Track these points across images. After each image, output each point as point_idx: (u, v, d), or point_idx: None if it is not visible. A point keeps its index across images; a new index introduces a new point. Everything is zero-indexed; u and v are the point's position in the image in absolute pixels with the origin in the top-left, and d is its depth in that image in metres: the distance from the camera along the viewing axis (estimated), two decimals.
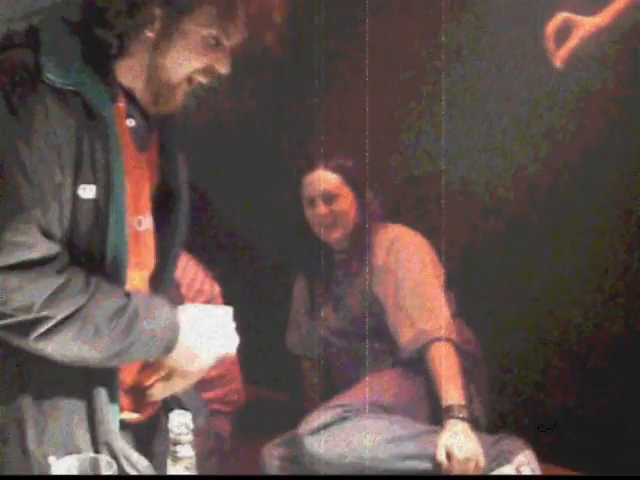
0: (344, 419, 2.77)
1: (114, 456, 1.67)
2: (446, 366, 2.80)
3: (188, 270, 3.05)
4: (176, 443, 1.57)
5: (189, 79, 1.71)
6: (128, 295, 1.65)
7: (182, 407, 1.81)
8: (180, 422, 1.60)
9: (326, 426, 2.76)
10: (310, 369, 3.24)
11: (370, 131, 3.34)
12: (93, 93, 1.61)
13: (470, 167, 3.35)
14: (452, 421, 2.72)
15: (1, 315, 1.55)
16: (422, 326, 2.86)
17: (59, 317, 1.57)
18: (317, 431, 2.76)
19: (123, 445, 1.71)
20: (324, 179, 3.02)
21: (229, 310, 1.79)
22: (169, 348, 1.69)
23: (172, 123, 1.84)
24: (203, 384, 2.92)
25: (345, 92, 3.55)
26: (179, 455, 1.56)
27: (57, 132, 1.57)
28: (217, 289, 3.10)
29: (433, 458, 2.70)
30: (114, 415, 1.71)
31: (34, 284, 1.55)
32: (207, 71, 1.71)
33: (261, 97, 3.58)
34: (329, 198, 3.01)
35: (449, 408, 2.74)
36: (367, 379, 2.87)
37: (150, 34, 1.66)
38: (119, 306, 1.62)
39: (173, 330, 1.68)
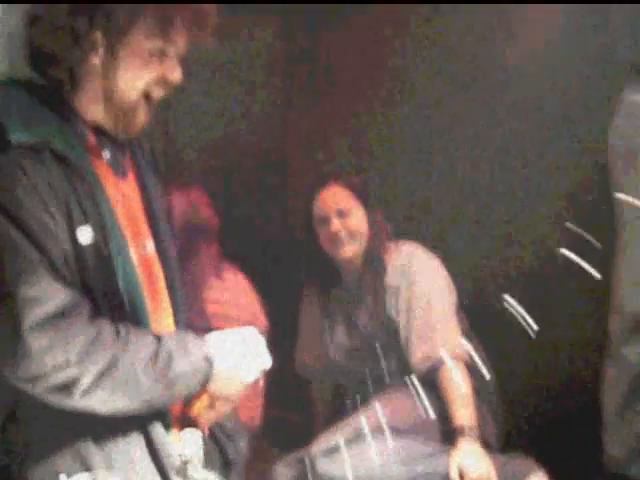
0: (356, 439, 2.75)
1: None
2: (457, 386, 2.79)
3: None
4: (187, 462, 1.58)
5: (146, 95, 1.71)
6: (158, 338, 1.66)
7: (225, 433, 1.87)
8: (191, 441, 1.61)
9: (338, 447, 2.73)
10: (320, 390, 3.22)
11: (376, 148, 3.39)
12: (61, 141, 1.63)
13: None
14: (464, 441, 2.71)
15: (35, 378, 1.55)
16: (434, 346, 2.85)
17: (96, 371, 1.57)
18: (329, 452, 2.75)
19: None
20: (338, 195, 3.00)
21: (254, 329, 1.83)
22: (207, 379, 1.70)
23: (139, 146, 1.85)
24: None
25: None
26: (190, 474, 1.57)
27: (39, 186, 1.58)
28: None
29: (445, 478, 2.68)
30: (173, 443, 1.73)
31: (64, 340, 1.55)
32: (160, 82, 1.71)
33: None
34: (343, 214, 3.00)
35: (461, 428, 2.73)
36: (379, 400, 2.85)
37: (96, 60, 1.67)
38: (153, 351, 1.63)
39: (208, 362, 1.70)
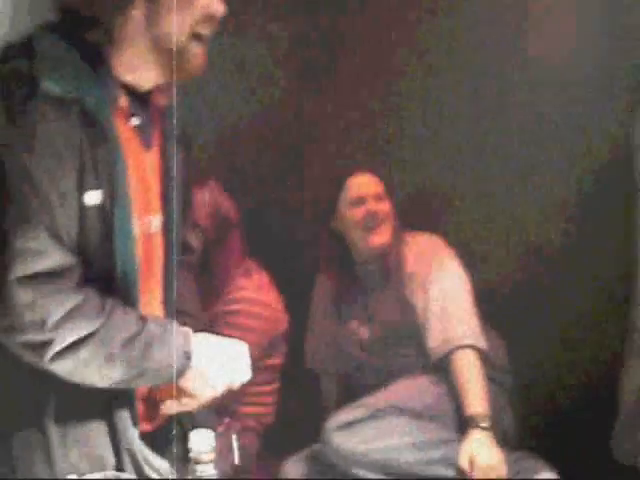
0: (372, 418, 2.76)
1: (136, 461, 1.68)
2: (470, 374, 2.79)
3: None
4: (197, 462, 1.57)
5: (194, 35, 1.69)
6: (144, 320, 1.65)
7: (192, 418, 1.82)
8: (201, 441, 1.61)
9: (354, 423, 2.76)
10: (330, 383, 3.22)
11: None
12: (90, 98, 1.60)
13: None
14: (475, 430, 2.71)
15: (11, 328, 1.55)
16: (450, 332, 2.86)
17: (72, 339, 1.56)
18: (344, 427, 2.76)
19: (144, 449, 1.72)
20: (372, 181, 3.06)
21: (245, 347, 1.80)
22: (180, 374, 1.68)
23: (170, 119, 1.82)
24: (241, 398, 2.94)
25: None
26: (201, 474, 1.56)
27: (57, 140, 1.56)
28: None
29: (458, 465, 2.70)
30: (133, 423, 1.71)
31: (47, 300, 1.54)
32: (206, 19, 1.69)
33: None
34: (378, 198, 3.03)
35: (472, 417, 2.73)
36: (397, 382, 2.88)
37: (136, 13, 1.65)
38: (134, 331, 1.62)
39: (186, 358, 1.68)
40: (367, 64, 3.53)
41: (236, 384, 1.77)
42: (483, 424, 2.72)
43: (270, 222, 3.55)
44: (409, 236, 3.06)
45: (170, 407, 1.76)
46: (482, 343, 2.86)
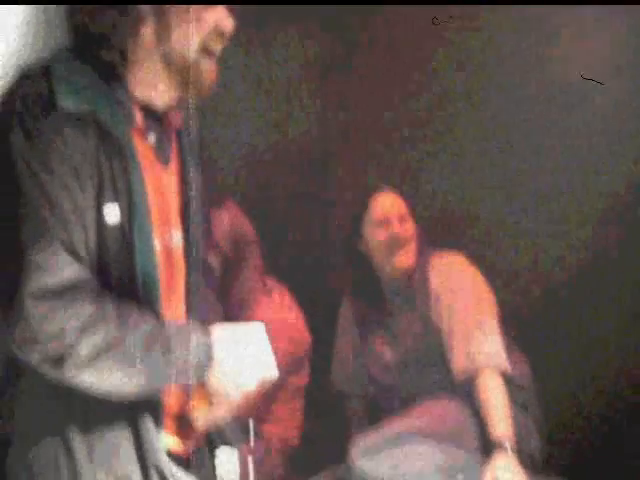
0: (397, 442, 2.75)
1: (163, 478, 1.66)
2: (495, 396, 2.77)
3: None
4: None
5: (205, 50, 1.70)
6: (160, 323, 1.64)
7: (225, 440, 1.81)
8: (226, 460, 1.60)
9: (379, 446, 2.74)
10: (356, 405, 3.20)
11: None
12: (107, 115, 1.61)
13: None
14: (500, 454, 2.68)
15: (32, 343, 1.53)
16: (474, 354, 2.83)
17: (92, 348, 1.55)
18: (370, 450, 2.74)
19: (172, 467, 1.70)
20: (396, 201, 3.04)
21: (260, 325, 1.77)
22: (204, 371, 1.66)
23: (187, 134, 1.83)
24: (266, 417, 2.92)
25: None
26: None
27: (74, 156, 1.57)
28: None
29: None
30: (161, 440, 1.69)
31: (65, 312, 1.53)
32: (216, 33, 1.71)
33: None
34: (403, 219, 3.02)
35: (497, 440, 2.70)
36: (421, 406, 2.86)
37: (147, 30, 1.67)
38: (152, 334, 1.60)
39: (207, 353, 1.66)
40: (393, 84, 3.54)
41: (269, 375, 1.74)
42: (508, 448, 2.68)
43: (294, 242, 3.56)
44: (434, 256, 3.04)
45: (204, 415, 1.74)
46: (506, 365, 2.83)
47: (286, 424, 3.07)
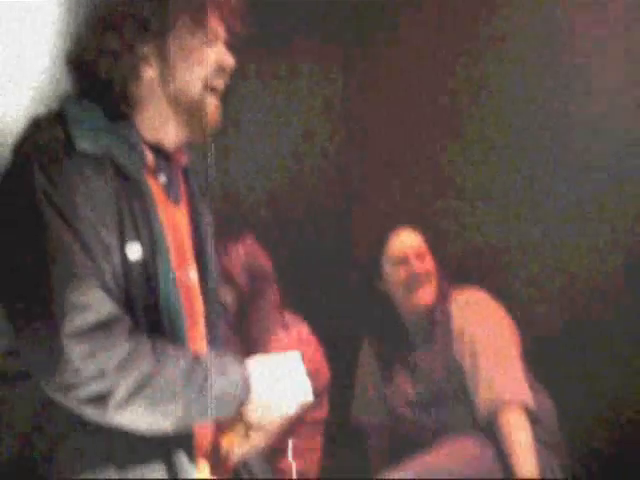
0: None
1: None
2: (519, 435, 2.74)
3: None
4: None
5: (208, 88, 1.74)
6: (196, 357, 1.65)
7: (252, 473, 1.82)
8: None
9: None
10: (378, 441, 3.19)
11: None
12: (123, 156, 1.65)
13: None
14: None
15: (72, 386, 1.54)
16: (498, 391, 2.81)
17: (131, 384, 1.56)
18: None
19: None
20: (415, 239, 3.03)
21: (297, 354, 1.79)
22: (243, 404, 1.68)
23: (194, 174, 1.87)
24: (284, 454, 2.91)
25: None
26: None
27: (96, 195, 1.60)
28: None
29: None
30: (193, 472, 1.69)
31: (104, 351, 1.55)
32: (218, 71, 1.74)
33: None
34: (420, 257, 3.01)
35: None
36: (444, 444, 2.84)
37: (151, 72, 1.71)
38: (189, 369, 1.61)
39: (245, 385, 1.67)
40: (412, 122, 3.55)
41: (302, 402, 1.75)
42: None
43: (314, 279, 3.55)
44: (456, 292, 3.03)
45: (240, 450, 1.75)
46: (530, 402, 2.81)
47: (306, 459, 3.05)
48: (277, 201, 3.64)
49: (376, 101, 3.66)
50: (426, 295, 2.98)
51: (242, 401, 1.67)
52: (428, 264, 3.01)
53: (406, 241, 3.03)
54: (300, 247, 3.63)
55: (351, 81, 3.67)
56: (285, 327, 3.06)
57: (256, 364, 1.72)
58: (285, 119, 3.58)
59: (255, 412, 1.69)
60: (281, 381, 1.72)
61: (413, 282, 2.98)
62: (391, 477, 2.76)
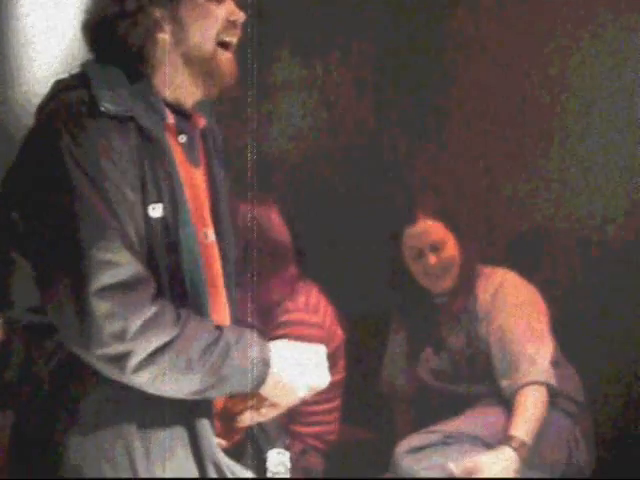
0: (443, 444, 2.76)
1: (221, 473, 1.69)
2: (532, 405, 2.73)
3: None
4: None
5: (221, 44, 1.76)
6: (219, 329, 1.66)
7: (267, 436, 1.84)
8: (278, 461, 1.61)
9: (425, 447, 2.75)
10: (404, 411, 3.19)
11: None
12: (145, 116, 1.68)
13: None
14: (505, 448, 2.65)
15: (91, 342, 1.56)
16: (523, 370, 2.80)
17: (151, 348, 1.57)
18: (416, 451, 2.75)
19: (228, 461, 1.72)
20: (430, 229, 2.98)
21: (322, 349, 1.80)
22: (260, 382, 1.69)
23: (212, 135, 1.89)
24: (300, 418, 2.92)
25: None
26: None
27: (120, 156, 1.62)
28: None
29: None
30: (213, 436, 1.72)
31: (126, 310, 1.56)
32: (229, 27, 1.76)
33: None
34: (437, 248, 2.97)
35: (510, 437, 2.67)
36: (470, 412, 2.87)
37: (164, 35, 1.73)
38: (211, 340, 1.63)
39: (264, 365, 1.69)
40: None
41: (316, 388, 1.77)
42: (516, 447, 2.64)
43: (342, 251, 3.56)
44: (486, 271, 3.02)
45: (250, 419, 1.77)
46: (552, 379, 2.80)
47: (325, 422, 3.05)
48: (310, 170, 3.63)
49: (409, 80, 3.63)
50: (446, 282, 2.97)
51: (259, 380, 1.68)
52: (446, 254, 2.97)
53: (421, 235, 2.97)
54: (331, 220, 3.62)
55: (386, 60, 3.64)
56: (292, 297, 3.05)
57: (279, 346, 1.74)
58: (318, 87, 3.58)
59: (270, 391, 1.71)
60: (300, 367, 1.74)
61: (431, 274, 2.97)
62: (415, 439, 2.78)
